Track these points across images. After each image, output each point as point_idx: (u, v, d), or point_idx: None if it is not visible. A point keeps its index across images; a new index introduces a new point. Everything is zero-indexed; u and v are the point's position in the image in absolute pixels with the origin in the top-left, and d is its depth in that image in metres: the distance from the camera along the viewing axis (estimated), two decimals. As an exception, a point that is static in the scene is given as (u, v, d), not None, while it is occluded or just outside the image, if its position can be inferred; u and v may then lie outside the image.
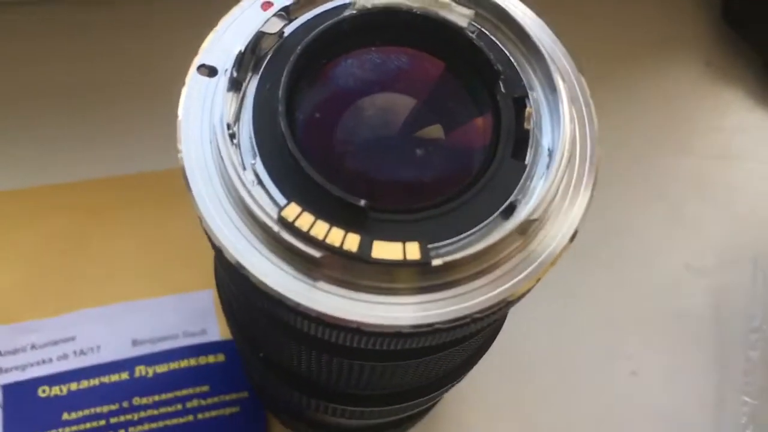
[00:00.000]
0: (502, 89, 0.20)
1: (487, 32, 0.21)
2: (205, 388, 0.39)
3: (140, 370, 0.39)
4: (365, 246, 0.18)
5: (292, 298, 0.18)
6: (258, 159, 0.19)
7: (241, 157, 0.20)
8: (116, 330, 0.40)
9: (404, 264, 0.18)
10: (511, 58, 0.21)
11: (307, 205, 0.18)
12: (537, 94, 0.21)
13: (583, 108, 0.21)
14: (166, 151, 0.44)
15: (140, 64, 0.47)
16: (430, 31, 0.21)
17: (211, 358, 0.40)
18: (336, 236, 0.18)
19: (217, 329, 0.41)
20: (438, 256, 0.18)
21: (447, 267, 0.18)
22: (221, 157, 0.19)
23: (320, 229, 0.18)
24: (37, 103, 0.45)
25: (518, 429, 0.41)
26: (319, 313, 0.18)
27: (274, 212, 0.18)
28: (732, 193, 0.48)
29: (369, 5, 0.21)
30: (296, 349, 0.23)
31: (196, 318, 0.41)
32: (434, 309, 0.18)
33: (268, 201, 0.19)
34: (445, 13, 0.21)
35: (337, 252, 0.18)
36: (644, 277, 0.45)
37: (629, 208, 0.47)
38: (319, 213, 0.18)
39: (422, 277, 0.18)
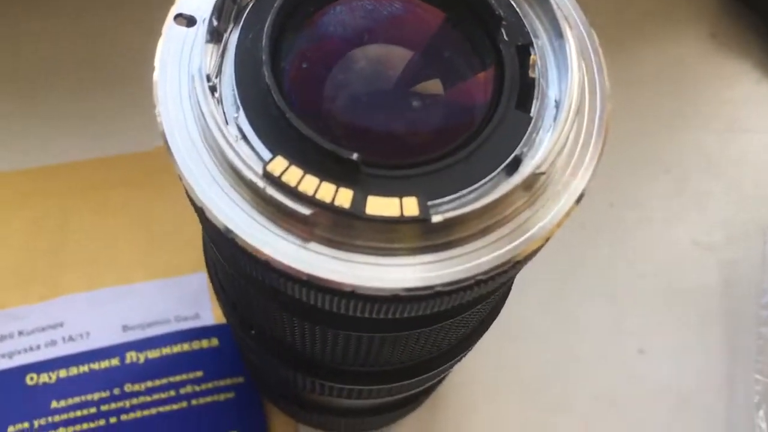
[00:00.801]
0: (505, 37, 0.19)
1: (486, -24, 0.20)
2: (199, 374, 0.38)
3: (131, 356, 0.38)
4: (359, 201, 0.16)
5: (279, 260, 0.17)
6: (241, 112, 0.18)
7: (224, 112, 0.18)
8: (106, 315, 0.39)
9: (402, 221, 0.16)
10: (513, 4, 0.20)
11: (295, 160, 0.17)
12: (542, 42, 0.19)
13: (592, 57, 0.20)
14: (153, 131, 0.43)
15: (124, 44, 0.46)
16: (426, -24, 0.20)
17: (204, 343, 0.39)
18: (327, 191, 0.16)
19: (210, 313, 0.40)
20: (438, 212, 0.17)
21: (448, 224, 0.17)
22: (201, 111, 0.17)
23: (309, 184, 0.16)
24: (20, 84, 0.45)
25: (525, 407, 0.40)
26: (310, 275, 0.17)
27: (259, 168, 0.17)
28: (739, 167, 0.47)
29: (360, -52, 0.19)
30: (289, 322, 0.21)
31: (189, 302, 0.40)
32: (435, 270, 0.17)
33: (253, 156, 0.17)
34: (441, -45, 0.19)
35: (328, 208, 0.16)
36: (651, 254, 0.44)
37: (636, 183, 0.46)
38: (309, 168, 0.17)
39: (422, 236, 0.17)
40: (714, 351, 0.42)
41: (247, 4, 0.19)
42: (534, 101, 0.19)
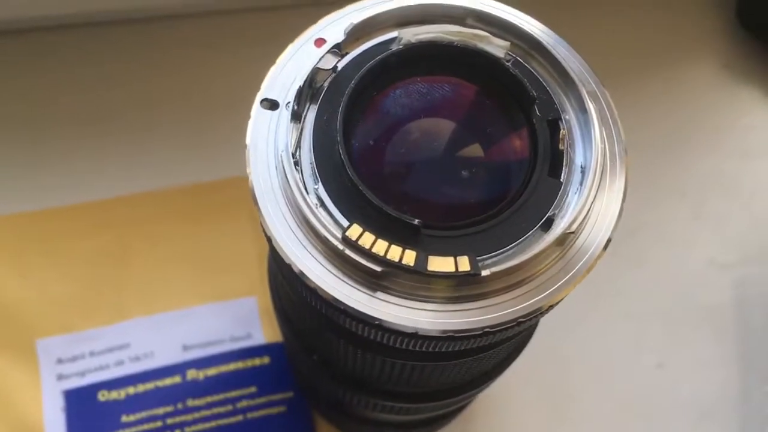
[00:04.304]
0: (538, 113, 0.22)
1: (521, 60, 0.23)
2: (253, 389, 0.41)
3: (192, 374, 0.41)
4: (421, 260, 0.20)
5: (354, 307, 0.20)
6: (320, 184, 0.21)
7: (303, 181, 0.22)
8: (167, 336, 0.42)
9: (456, 275, 0.20)
10: (544, 84, 0.23)
11: (366, 225, 0.20)
12: (569, 116, 0.23)
13: (612, 126, 0.23)
14: (207, 165, 0.47)
15: (183, 82, 0.49)
16: (470, 62, 0.23)
17: (257, 361, 0.42)
18: (395, 252, 0.20)
19: (261, 333, 0.43)
20: (485, 267, 0.20)
21: (493, 277, 0.20)
22: (288, 182, 0.21)
23: (380, 246, 0.20)
24: (82, 123, 0.47)
25: (550, 418, 0.42)
26: (380, 320, 0.20)
27: (337, 231, 0.20)
28: (752, 190, 0.50)
29: (413, 40, 0.23)
30: (352, 352, 0.25)
31: (242, 323, 0.43)
32: (483, 315, 0.20)
33: (331, 222, 0.21)
34: (483, 45, 0.23)
35: (397, 266, 0.20)
36: (670, 273, 0.47)
37: (654, 207, 0.48)
38: (377, 231, 0.20)
39: (472, 287, 0.20)
40: (728, 364, 0.44)
41: (321, 87, 0.23)
42: (563, 168, 0.22)
